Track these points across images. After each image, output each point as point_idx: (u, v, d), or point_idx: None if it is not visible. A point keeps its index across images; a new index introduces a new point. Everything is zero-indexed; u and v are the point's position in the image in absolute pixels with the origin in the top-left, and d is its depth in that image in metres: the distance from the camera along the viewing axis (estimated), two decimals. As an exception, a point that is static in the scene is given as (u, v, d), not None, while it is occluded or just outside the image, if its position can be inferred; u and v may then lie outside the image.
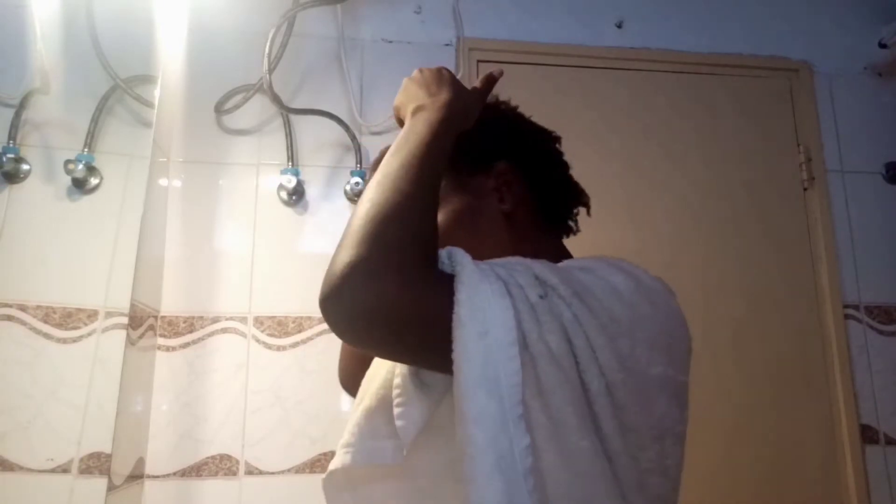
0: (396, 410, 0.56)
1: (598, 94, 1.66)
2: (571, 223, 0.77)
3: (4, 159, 1.08)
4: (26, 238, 1.08)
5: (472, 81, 1.60)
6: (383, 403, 0.59)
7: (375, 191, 0.55)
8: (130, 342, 1.19)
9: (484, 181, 0.72)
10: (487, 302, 0.49)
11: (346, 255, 0.50)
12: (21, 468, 1.00)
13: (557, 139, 0.79)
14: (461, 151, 0.70)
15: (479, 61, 1.63)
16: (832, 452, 1.52)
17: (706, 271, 1.58)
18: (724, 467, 1.47)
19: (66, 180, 1.17)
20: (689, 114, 1.68)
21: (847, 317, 1.60)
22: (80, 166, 1.17)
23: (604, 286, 0.53)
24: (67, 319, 1.11)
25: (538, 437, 0.48)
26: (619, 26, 1.72)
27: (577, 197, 0.77)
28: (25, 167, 1.11)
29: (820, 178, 1.67)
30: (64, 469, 1.05)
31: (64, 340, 1.10)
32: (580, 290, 0.52)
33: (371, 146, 1.54)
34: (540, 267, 0.54)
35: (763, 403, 1.52)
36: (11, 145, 1.09)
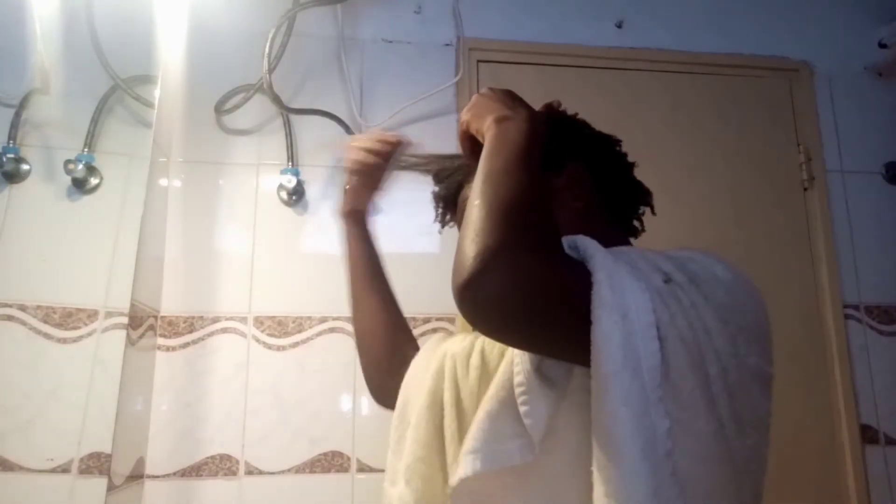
0: (523, 409, 0.55)
1: (598, 94, 1.65)
2: (637, 223, 0.80)
3: (4, 159, 1.08)
4: (26, 238, 1.08)
5: (472, 81, 1.61)
6: (505, 404, 0.58)
7: (489, 187, 0.55)
8: (130, 342, 1.19)
9: (557, 181, 0.73)
10: (625, 284, 0.50)
11: (481, 242, 0.50)
12: (21, 468, 1.00)
13: (619, 142, 0.81)
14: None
15: (479, 61, 1.63)
16: (832, 452, 1.52)
17: (706, 271, 1.58)
18: (724, 467, 1.47)
19: (66, 180, 1.17)
20: (689, 114, 1.68)
21: (847, 317, 1.60)
22: (80, 166, 1.17)
23: (709, 275, 0.55)
24: (67, 319, 1.11)
25: (673, 420, 0.48)
26: (619, 26, 1.72)
27: (643, 196, 0.80)
28: (25, 167, 1.11)
29: (820, 178, 1.67)
30: (64, 469, 1.05)
31: (64, 340, 1.10)
32: (693, 276, 0.53)
33: (371, 146, 1.54)
34: (653, 254, 0.55)
35: (763, 403, 1.52)
36: (11, 145, 1.09)
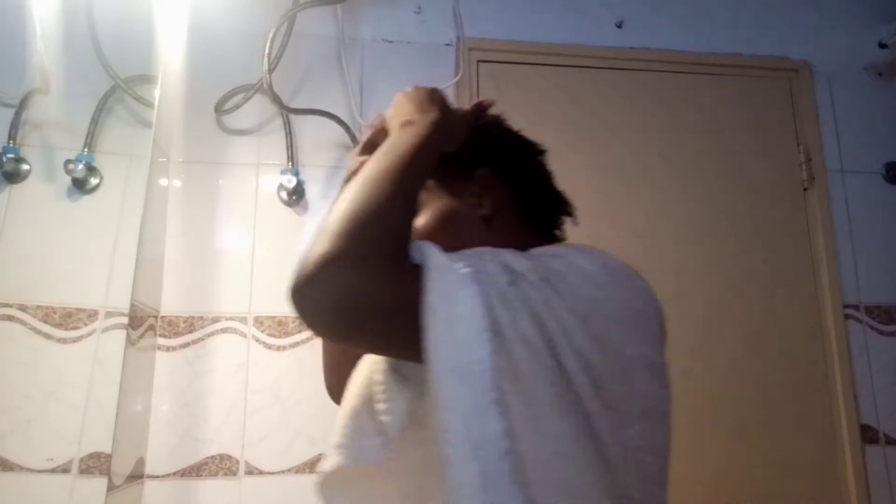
0: (380, 406, 0.57)
1: (598, 94, 1.65)
2: (557, 232, 0.78)
3: (4, 159, 1.08)
4: (26, 238, 1.08)
5: (472, 81, 1.61)
6: (366, 401, 0.60)
7: (355, 191, 0.55)
8: (130, 342, 1.19)
9: (466, 186, 0.73)
10: (457, 290, 0.50)
11: (321, 248, 0.50)
12: (21, 468, 1.00)
13: (542, 152, 0.80)
14: (447, 157, 0.71)
15: (479, 61, 1.63)
16: (832, 452, 1.52)
17: (706, 271, 1.58)
18: (724, 467, 1.47)
19: (66, 180, 1.17)
20: (689, 114, 1.68)
21: (847, 317, 1.60)
22: (80, 166, 1.17)
23: (573, 270, 0.55)
24: (67, 319, 1.11)
25: (515, 420, 0.49)
26: (619, 26, 1.72)
27: (561, 207, 0.78)
28: (25, 167, 1.12)
29: (820, 178, 1.67)
30: (64, 469, 1.05)
31: (64, 340, 1.10)
32: (549, 275, 0.53)
33: (371, 146, 1.54)
34: (509, 254, 0.55)
35: (763, 403, 1.52)
36: (11, 145, 1.09)
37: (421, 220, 0.76)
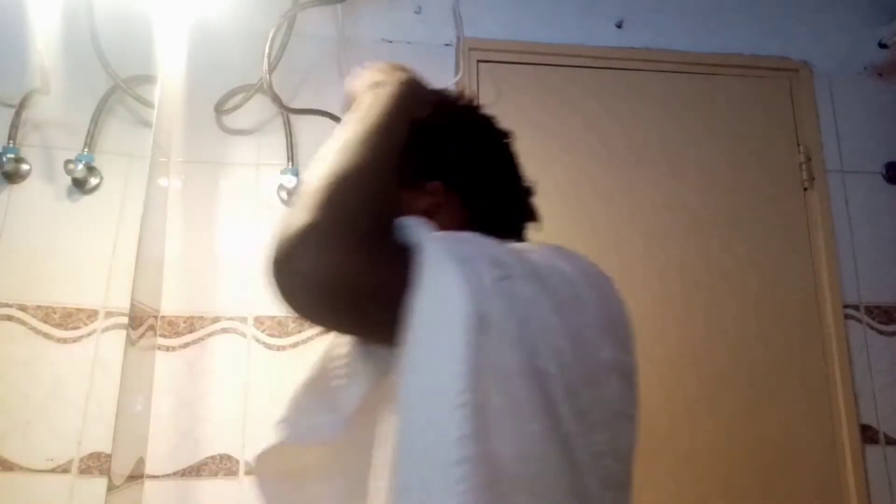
0: (337, 382, 0.54)
1: (598, 94, 1.65)
2: (520, 240, 0.72)
3: (4, 159, 1.08)
4: (26, 238, 1.08)
5: (472, 81, 1.61)
6: (321, 375, 0.56)
7: (334, 157, 0.54)
8: (130, 342, 1.19)
9: (415, 197, 0.68)
10: (445, 283, 0.47)
11: (299, 220, 0.47)
12: (21, 468, 1.00)
13: (506, 143, 0.74)
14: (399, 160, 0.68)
15: (479, 61, 1.63)
16: (832, 452, 1.52)
17: (706, 271, 1.58)
18: (724, 467, 1.46)
19: (66, 180, 1.17)
20: (689, 114, 1.68)
21: (847, 317, 1.60)
22: (80, 166, 1.17)
23: (550, 269, 0.53)
24: (67, 319, 1.11)
25: (490, 420, 0.46)
26: (619, 26, 1.72)
27: (523, 215, 0.73)
28: (25, 167, 1.11)
29: (820, 178, 1.67)
30: (64, 469, 1.05)
31: (64, 340, 1.10)
32: (534, 269, 0.52)
33: (371, 146, 1.54)
34: (495, 247, 0.53)
35: (763, 403, 1.52)
36: (11, 145, 1.09)
37: None
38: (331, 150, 0.55)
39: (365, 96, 0.64)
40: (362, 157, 0.53)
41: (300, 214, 0.48)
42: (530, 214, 0.74)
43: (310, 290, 0.46)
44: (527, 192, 0.74)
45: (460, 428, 0.44)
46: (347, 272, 0.46)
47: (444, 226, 0.64)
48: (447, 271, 0.48)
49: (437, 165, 0.69)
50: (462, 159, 0.71)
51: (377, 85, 0.65)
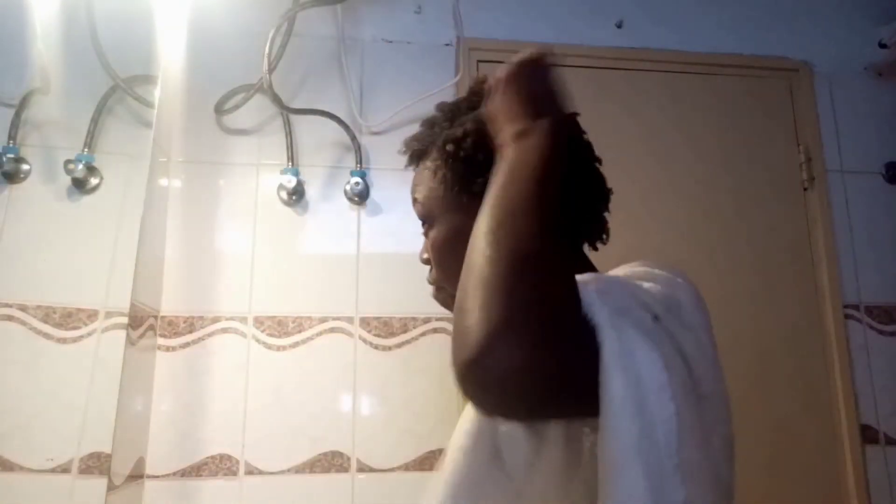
0: (506, 450, 0.55)
1: (598, 95, 1.65)
2: (598, 242, 0.74)
3: (4, 159, 1.08)
4: (26, 238, 1.08)
5: (472, 81, 1.60)
6: (490, 453, 0.58)
7: (494, 238, 0.49)
8: (130, 342, 1.19)
9: (477, 206, 0.69)
10: (632, 346, 0.46)
11: (482, 317, 0.44)
12: (21, 468, 1.00)
13: (595, 172, 0.76)
14: (461, 169, 0.68)
15: (479, 61, 1.63)
16: (832, 452, 1.52)
17: (706, 271, 1.57)
18: (724, 467, 1.47)
19: (66, 180, 1.17)
20: (689, 114, 1.68)
21: (847, 317, 1.60)
22: (80, 166, 1.17)
23: (682, 297, 0.54)
24: (67, 319, 1.11)
25: (693, 470, 0.46)
26: (619, 26, 1.72)
27: (590, 236, 0.75)
28: (25, 167, 1.11)
29: (820, 178, 1.67)
30: (64, 469, 1.05)
31: (64, 340, 1.10)
32: (670, 303, 0.52)
33: (371, 146, 1.54)
34: (634, 288, 0.52)
35: (763, 403, 1.52)
36: (11, 145, 1.09)
37: (432, 235, 0.74)
38: (488, 228, 0.50)
39: (508, 150, 0.56)
40: (528, 234, 0.48)
41: (480, 311, 0.45)
42: (597, 234, 0.77)
43: (503, 390, 0.45)
44: (604, 209, 0.76)
45: (679, 491, 0.45)
46: (539, 368, 0.44)
47: None
48: (628, 336, 0.47)
49: None
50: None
51: (524, 135, 0.56)
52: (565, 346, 0.46)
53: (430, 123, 0.77)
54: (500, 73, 0.62)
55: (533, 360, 0.44)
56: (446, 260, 0.74)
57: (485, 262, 0.48)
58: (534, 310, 0.45)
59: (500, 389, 0.45)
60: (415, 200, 0.77)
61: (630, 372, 0.45)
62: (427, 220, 0.76)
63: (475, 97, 0.75)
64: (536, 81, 0.62)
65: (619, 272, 0.59)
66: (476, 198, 0.68)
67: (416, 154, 0.78)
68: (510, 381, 0.44)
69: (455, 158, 0.70)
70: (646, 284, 0.54)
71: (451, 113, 0.75)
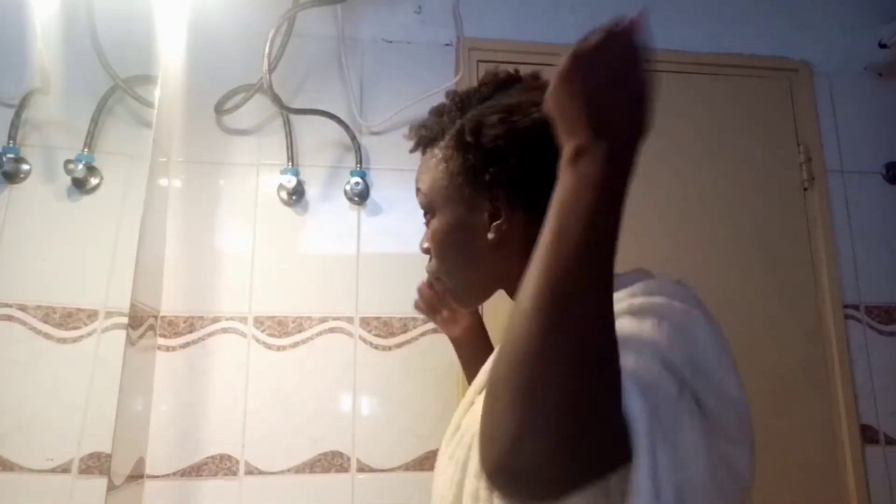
0: None
1: (598, 94, 1.65)
2: None
3: (4, 159, 1.08)
4: (26, 238, 1.08)
5: (472, 81, 1.60)
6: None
7: (538, 313, 0.43)
8: (130, 342, 1.19)
9: (480, 203, 0.69)
10: (655, 445, 0.46)
11: (517, 417, 0.42)
12: (21, 468, 1.00)
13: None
14: (470, 163, 0.68)
15: (479, 61, 1.63)
16: (832, 452, 1.52)
17: (706, 271, 1.58)
18: (724, 467, 1.47)
19: (66, 180, 1.17)
20: (689, 114, 1.68)
21: (847, 317, 1.60)
22: (80, 166, 1.17)
23: (695, 340, 0.56)
24: (67, 319, 1.11)
25: None
26: (619, 26, 1.71)
27: None
28: (25, 167, 1.11)
29: (820, 178, 1.67)
30: (64, 469, 1.05)
31: (64, 340, 1.10)
32: (696, 365, 0.53)
33: (371, 146, 1.54)
34: (662, 348, 0.52)
35: (763, 403, 1.52)
36: (11, 145, 1.09)
37: (433, 225, 0.74)
38: (535, 290, 0.44)
39: (562, 174, 0.48)
40: (578, 318, 0.43)
41: (514, 409, 0.42)
42: None
43: (535, 489, 0.44)
44: None
45: None
46: (574, 467, 0.43)
47: (502, 239, 0.67)
48: (656, 437, 0.46)
49: (508, 171, 0.67)
50: (539, 174, 0.63)
51: (582, 153, 0.48)
52: (598, 453, 0.44)
53: (438, 112, 0.77)
54: (561, 62, 0.51)
55: (564, 466, 0.42)
56: (445, 251, 0.74)
57: (525, 342, 0.43)
58: (569, 412, 0.42)
59: (533, 489, 0.44)
60: (418, 190, 0.77)
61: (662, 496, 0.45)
62: (429, 210, 0.76)
63: (485, 87, 0.75)
64: (597, 92, 0.49)
65: (638, 293, 0.59)
66: (480, 191, 0.69)
67: (424, 141, 0.77)
68: (539, 481, 0.43)
69: (469, 146, 0.69)
70: (667, 329, 0.53)
71: (461, 102, 0.75)
